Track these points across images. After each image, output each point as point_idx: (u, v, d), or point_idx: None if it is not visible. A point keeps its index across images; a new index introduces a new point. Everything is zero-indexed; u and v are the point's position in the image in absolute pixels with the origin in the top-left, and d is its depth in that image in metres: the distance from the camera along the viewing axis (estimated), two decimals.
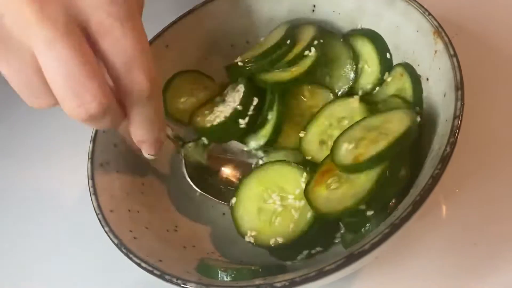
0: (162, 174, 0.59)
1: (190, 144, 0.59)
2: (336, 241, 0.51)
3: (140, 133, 0.44)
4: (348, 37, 0.59)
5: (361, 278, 0.50)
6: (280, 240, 0.49)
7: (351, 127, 0.50)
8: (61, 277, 0.60)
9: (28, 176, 0.71)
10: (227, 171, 0.58)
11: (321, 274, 0.38)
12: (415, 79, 0.52)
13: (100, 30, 0.36)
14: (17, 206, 0.69)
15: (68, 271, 0.60)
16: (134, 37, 0.37)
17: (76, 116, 0.36)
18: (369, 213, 0.45)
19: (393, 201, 0.46)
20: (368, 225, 0.46)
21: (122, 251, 0.45)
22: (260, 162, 0.57)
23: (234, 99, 0.57)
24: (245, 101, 0.56)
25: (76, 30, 0.35)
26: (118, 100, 0.39)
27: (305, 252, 0.51)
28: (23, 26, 0.35)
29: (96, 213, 0.48)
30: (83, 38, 0.36)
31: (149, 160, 0.53)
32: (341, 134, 0.50)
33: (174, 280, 0.42)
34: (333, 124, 0.54)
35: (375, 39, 0.57)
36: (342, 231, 0.51)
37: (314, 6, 0.61)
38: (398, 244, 0.51)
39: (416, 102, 0.52)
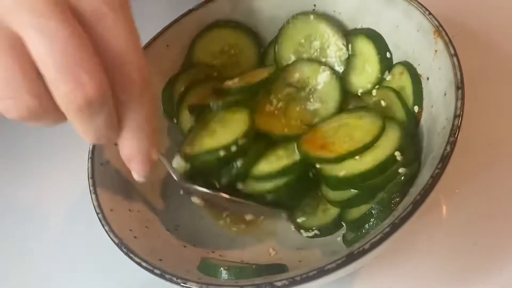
0: (163, 173, 0.59)
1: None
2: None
3: (130, 144, 0.40)
4: (348, 36, 0.59)
5: (361, 277, 0.51)
6: None
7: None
8: (62, 277, 0.60)
9: (28, 176, 0.71)
10: None
11: (321, 273, 0.38)
12: (415, 78, 0.52)
13: (93, 17, 0.34)
14: (18, 205, 0.69)
15: (68, 271, 0.60)
16: (127, 27, 0.35)
17: (72, 101, 0.33)
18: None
19: (397, 199, 0.46)
20: (372, 220, 0.46)
21: (122, 251, 0.45)
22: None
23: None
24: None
25: (67, 10, 0.32)
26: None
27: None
28: (6, 5, 0.31)
29: (96, 212, 0.48)
30: (75, 19, 0.33)
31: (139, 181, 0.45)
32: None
33: (175, 279, 0.42)
34: None
35: (375, 38, 0.57)
36: (344, 231, 0.51)
37: (315, 5, 0.61)
38: (398, 244, 0.51)
39: (416, 101, 0.52)
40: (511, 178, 0.53)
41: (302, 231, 0.53)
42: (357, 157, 0.49)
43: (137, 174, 0.43)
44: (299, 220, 0.54)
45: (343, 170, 0.48)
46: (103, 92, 0.34)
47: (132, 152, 0.41)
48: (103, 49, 0.34)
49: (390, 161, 0.47)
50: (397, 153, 0.48)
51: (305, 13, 0.61)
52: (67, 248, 0.62)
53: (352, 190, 0.49)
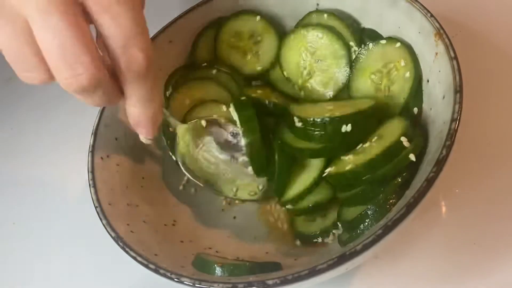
0: (162, 168, 0.60)
1: (186, 125, 0.56)
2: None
3: (136, 112, 0.44)
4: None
5: (360, 276, 0.51)
6: None
7: None
8: (62, 276, 0.60)
9: (29, 174, 0.71)
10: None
11: (312, 273, 0.38)
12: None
13: (98, 7, 0.37)
14: (18, 204, 0.69)
15: (69, 271, 0.60)
16: (132, 16, 0.38)
17: (68, 87, 0.37)
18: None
19: (393, 200, 0.46)
20: (367, 220, 0.46)
21: (118, 245, 0.46)
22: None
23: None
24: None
25: (71, 2, 0.36)
26: (114, 77, 0.40)
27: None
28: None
29: (94, 206, 0.49)
30: (79, 11, 0.36)
31: (146, 144, 0.52)
32: None
33: (168, 274, 0.42)
34: None
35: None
36: (339, 232, 0.51)
37: (318, 4, 0.61)
38: (397, 244, 0.51)
39: (415, 103, 0.52)
40: (511, 178, 0.53)
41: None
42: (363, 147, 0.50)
43: (145, 138, 0.47)
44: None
45: (348, 164, 0.48)
46: (96, 80, 0.37)
47: (138, 118, 0.44)
48: (109, 37, 0.38)
49: (397, 147, 0.46)
50: (403, 139, 0.46)
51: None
52: (68, 246, 0.62)
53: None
